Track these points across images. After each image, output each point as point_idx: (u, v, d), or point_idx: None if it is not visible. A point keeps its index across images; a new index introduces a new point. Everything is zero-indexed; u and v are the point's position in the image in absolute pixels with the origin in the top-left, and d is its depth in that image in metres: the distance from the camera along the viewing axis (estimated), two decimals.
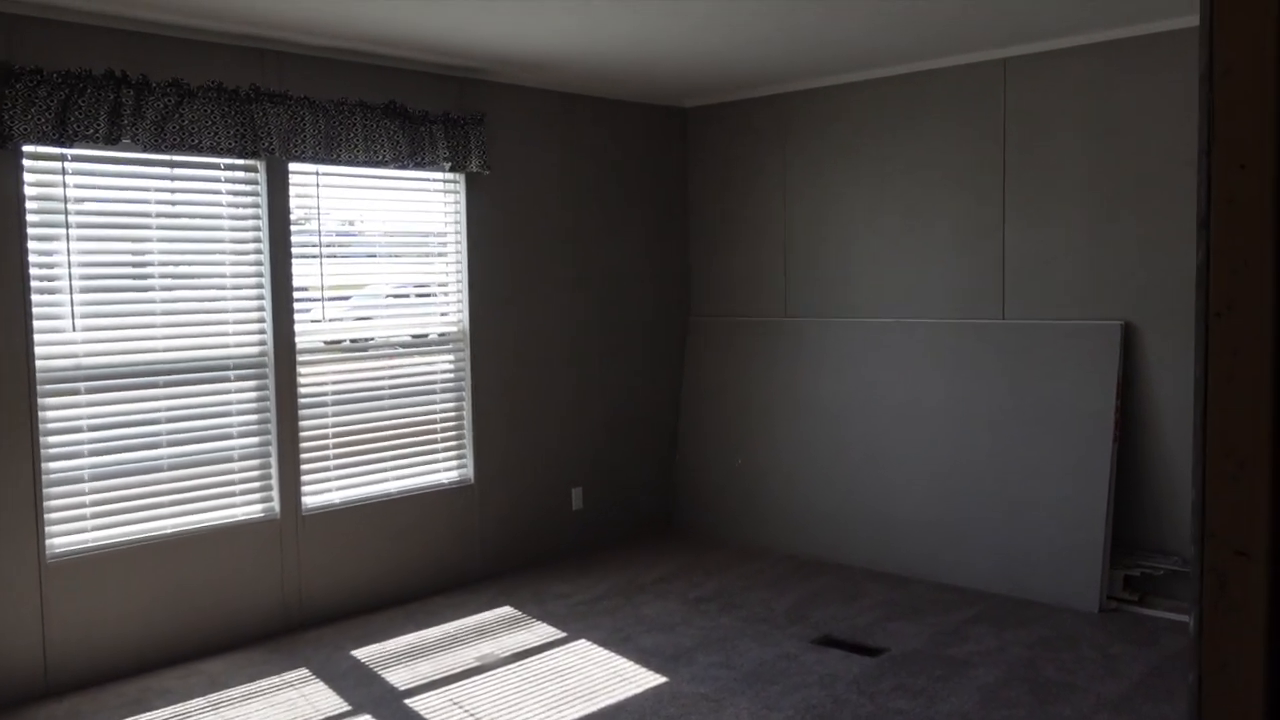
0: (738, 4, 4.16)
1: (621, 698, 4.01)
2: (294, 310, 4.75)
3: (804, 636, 4.60)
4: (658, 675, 4.21)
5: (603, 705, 3.95)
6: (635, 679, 4.19)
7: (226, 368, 4.59)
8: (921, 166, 5.46)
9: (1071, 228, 4.99)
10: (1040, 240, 5.08)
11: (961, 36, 4.81)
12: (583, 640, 4.63)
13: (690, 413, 6.47)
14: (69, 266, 4.13)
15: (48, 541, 4.12)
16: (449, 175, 5.33)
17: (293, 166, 4.73)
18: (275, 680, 4.24)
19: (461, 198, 5.38)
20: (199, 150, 4.34)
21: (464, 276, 5.41)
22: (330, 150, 4.73)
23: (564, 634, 4.71)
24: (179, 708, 4.01)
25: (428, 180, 5.27)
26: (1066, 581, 4.89)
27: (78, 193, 4.16)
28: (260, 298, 4.68)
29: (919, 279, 5.49)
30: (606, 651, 4.48)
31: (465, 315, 5.42)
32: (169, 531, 4.44)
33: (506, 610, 5.05)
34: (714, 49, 4.96)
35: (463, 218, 5.38)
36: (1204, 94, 1.21)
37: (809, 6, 4.22)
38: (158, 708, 4.01)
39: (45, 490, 4.10)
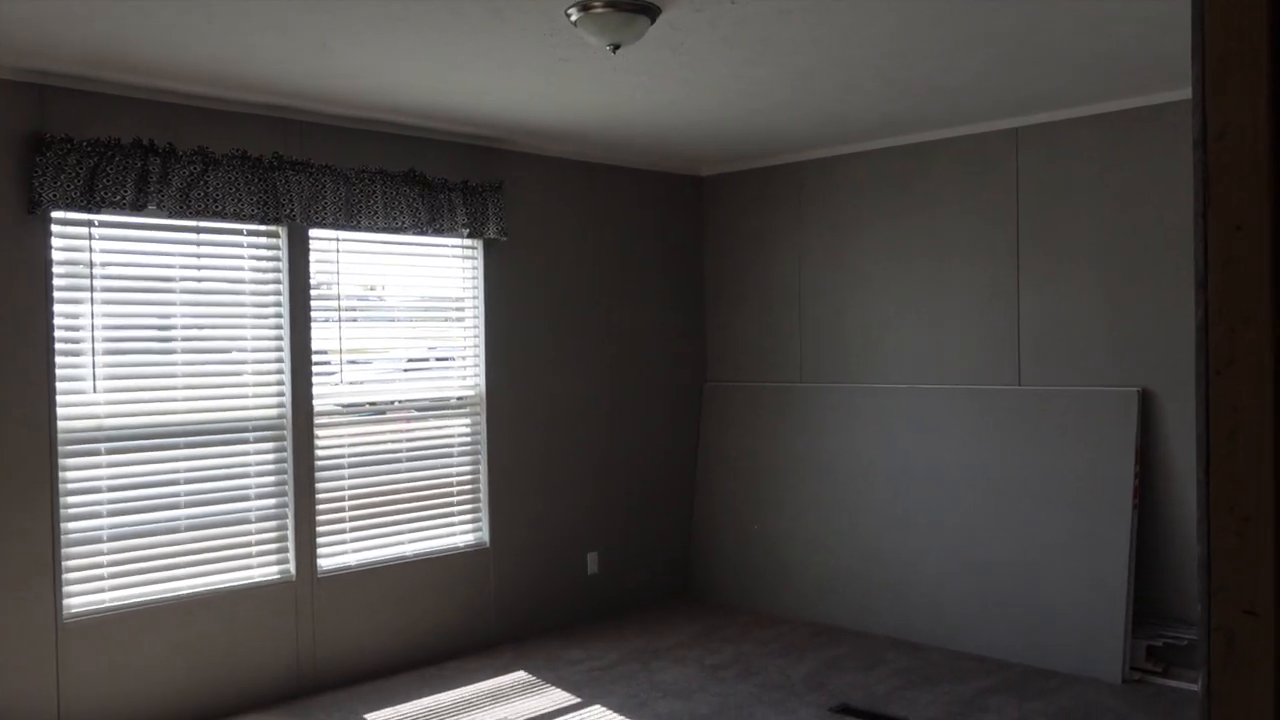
0: (752, 76, 4.24)
1: None
2: (312, 373, 4.80)
3: (821, 705, 4.54)
4: None
5: None
6: None
7: (245, 429, 4.63)
8: (936, 233, 5.50)
9: (1087, 294, 5.00)
10: (1056, 307, 5.10)
11: (973, 106, 4.88)
12: (597, 706, 4.58)
13: (707, 478, 6.45)
14: (92, 329, 4.20)
15: (65, 601, 4.13)
16: (467, 241, 5.40)
17: (313, 232, 4.81)
18: None
19: (479, 263, 5.45)
20: (222, 216, 4.43)
21: (481, 341, 5.46)
22: (350, 217, 4.82)
23: (578, 700, 4.66)
24: None
25: (446, 246, 5.35)
26: (1088, 651, 4.82)
27: (103, 257, 4.24)
28: (280, 361, 4.73)
29: (935, 345, 5.51)
30: (621, 718, 4.43)
31: (482, 379, 5.46)
32: (186, 592, 4.44)
33: (521, 675, 5.01)
34: (729, 119, 5.05)
35: (480, 283, 5.45)
36: (1198, 157, 1.24)
37: (822, 79, 4.30)
38: None
39: (63, 550, 4.12)
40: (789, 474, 6.04)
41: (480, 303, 5.46)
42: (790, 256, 6.13)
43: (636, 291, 6.22)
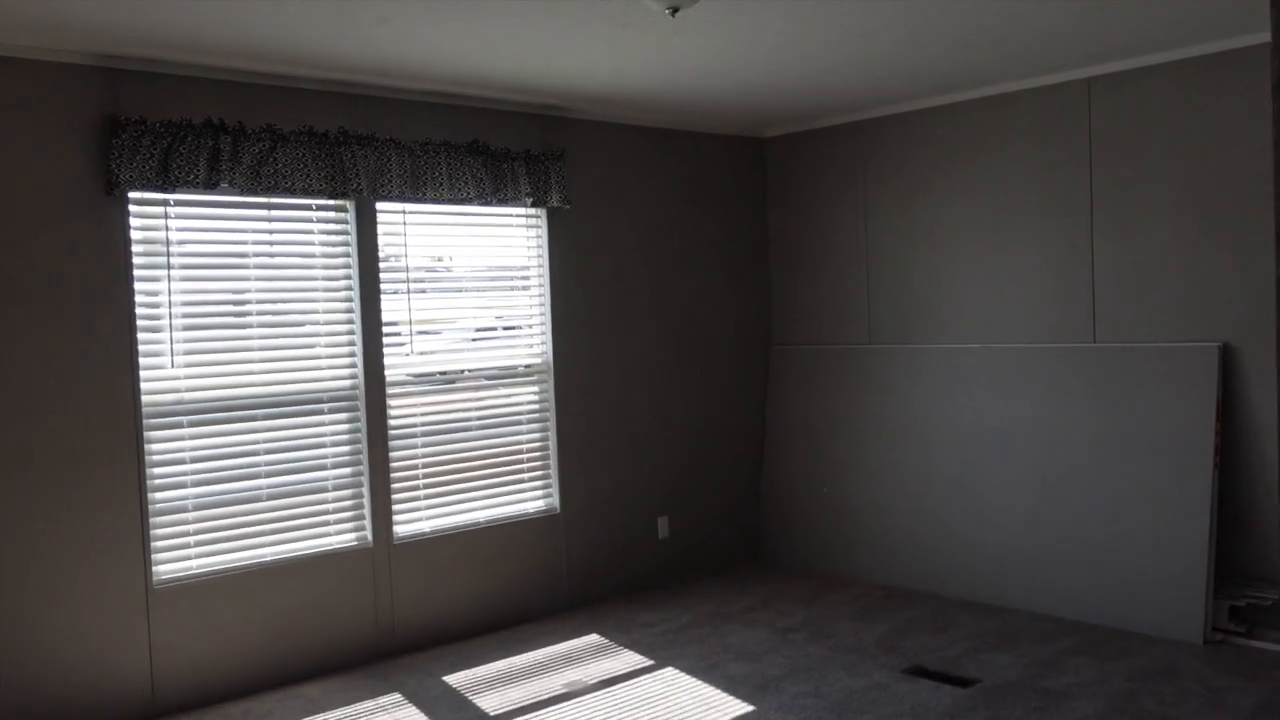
0: (812, 34, 4.18)
1: None
2: (383, 344, 4.89)
3: (894, 666, 4.53)
4: (745, 704, 4.19)
5: None
6: (722, 707, 4.17)
7: (320, 400, 4.74)
8: (1006, 189, 5.39)
9: (1164, 248, 4.87)
10: (1131, 262, 4.97)
11: (1043, 57, 4.76)
12: (670, 668, 4.63)
13: (776, 441, 6.44)
14: (170, 305, 4.33)
15: (154, 569, 4.28)
16: (531, 210, 5.43)
17: (380, 205, 4.88)
18: (370, 704, 4.33)
19: (543, 232, 5.48)
20: (292, 192, 4.51)
21: (547, 309, 5.49)
22: (416, 189, 4.87)
23: (651, 661, 4.72)
24: None
25: (510, 216, 5.38)
26: (1168, 612, 4.74)
27: (179, 235, 4.35)
28: (351, 333, 4.82)
29: (1006, 303, 5.41)
30: (693, 679, 4.48)
31: (549, 347, 5.50)
32: (268, 559, 4.58)
33: (594, 638, 5.08)
34: (792, 79, 4.99)
35: (545, 251, 5.48)
36: (1276, 104, 1.20)
37: (883, 34, 4.23)
38: None
39: (151, 519, 4.28)
40: (859, 436, 6.00)
41: (545, 271, 5.49)
42: (856, 216, 6.06)
43: (701, 256, 6.20)
